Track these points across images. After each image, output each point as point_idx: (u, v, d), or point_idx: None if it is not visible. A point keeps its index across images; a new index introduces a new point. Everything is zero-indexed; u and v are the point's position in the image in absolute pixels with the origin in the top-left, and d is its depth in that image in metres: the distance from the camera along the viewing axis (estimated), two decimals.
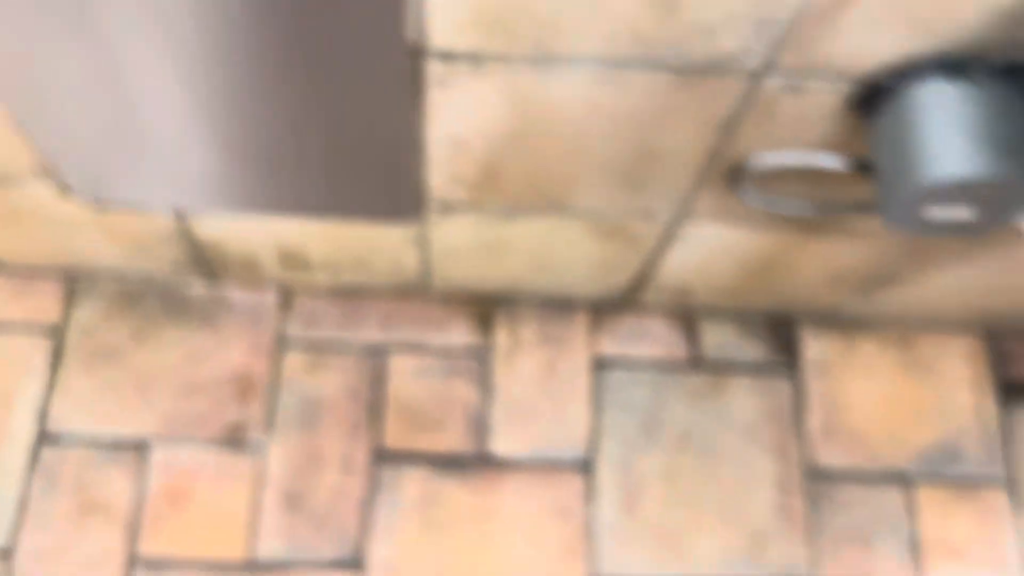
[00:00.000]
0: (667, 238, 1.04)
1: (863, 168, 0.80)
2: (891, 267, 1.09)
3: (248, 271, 1.19)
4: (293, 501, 1.14)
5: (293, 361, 1.21)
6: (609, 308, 1.27)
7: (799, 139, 0.82)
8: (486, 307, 1.25)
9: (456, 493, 1.16)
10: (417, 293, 1.24)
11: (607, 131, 0.82)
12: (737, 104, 0.78)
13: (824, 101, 0.77)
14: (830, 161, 0.80)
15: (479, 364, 1.22)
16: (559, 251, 1.09)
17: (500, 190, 0.94)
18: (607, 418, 1.21)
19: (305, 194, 0.97)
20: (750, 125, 0.81)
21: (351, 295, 1.24)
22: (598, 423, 1.21)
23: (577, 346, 1.25)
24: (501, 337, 1.24)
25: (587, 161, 0.88)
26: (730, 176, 0.88)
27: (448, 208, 0.98)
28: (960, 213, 0.74)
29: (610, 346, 1.25)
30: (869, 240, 1.02)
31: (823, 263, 1.09)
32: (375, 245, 1.09)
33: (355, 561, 1.12)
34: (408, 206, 0.98)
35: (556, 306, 1.26)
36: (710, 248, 1.07)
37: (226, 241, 1.10)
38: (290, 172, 0.93)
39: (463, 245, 1.08)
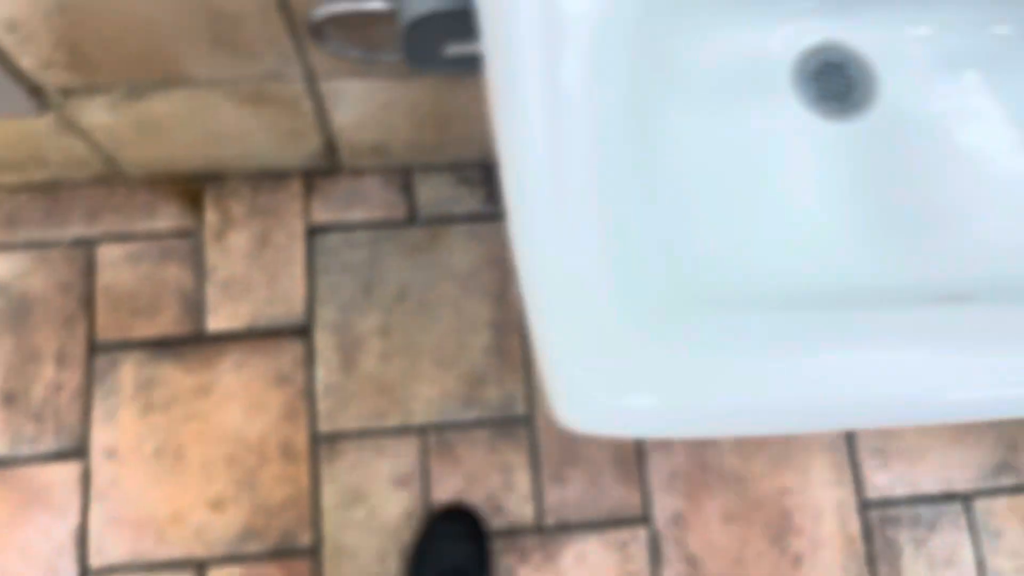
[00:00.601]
0: (317, 98, 1.03)
1: None
2: None
3: None
4: (11, 400, 1.16)
5: None
6: (322, 176, 1.26)
7: None
8: (194, 188, 1.25)
9: (173, 374, 1.18)
10: (119, 182, 1.23)
11: None
12: None
13: None
14: (377, 5, 0.79)
15: (190, 245, 1.23)
16: (219, 122, 1.07)
17: (101, 68, 0.91)
18: (324, 283, 1.23)
19: None
20: None
21: (51, 191, 1.22)
22: (315, 289, 1.23)
23: (291, 216, 1.25)
24: (211, 215, 1.24)
25: (161, 30, 0.85)
26: (311, 30, 0.86)
27: (68, 93, 0.96)
28: (476, 48, 0.73)
29: (325, 213, 1.26)
30: None
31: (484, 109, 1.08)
32: (32, 141, 1.07)
33: (78, 450, 1.15)
34: (23, 97, 0.95)
35: (267, 179, 1.26)
36: (367, 104, 1.05)
37: None
38: None
39: (117, 129, 1.06)
